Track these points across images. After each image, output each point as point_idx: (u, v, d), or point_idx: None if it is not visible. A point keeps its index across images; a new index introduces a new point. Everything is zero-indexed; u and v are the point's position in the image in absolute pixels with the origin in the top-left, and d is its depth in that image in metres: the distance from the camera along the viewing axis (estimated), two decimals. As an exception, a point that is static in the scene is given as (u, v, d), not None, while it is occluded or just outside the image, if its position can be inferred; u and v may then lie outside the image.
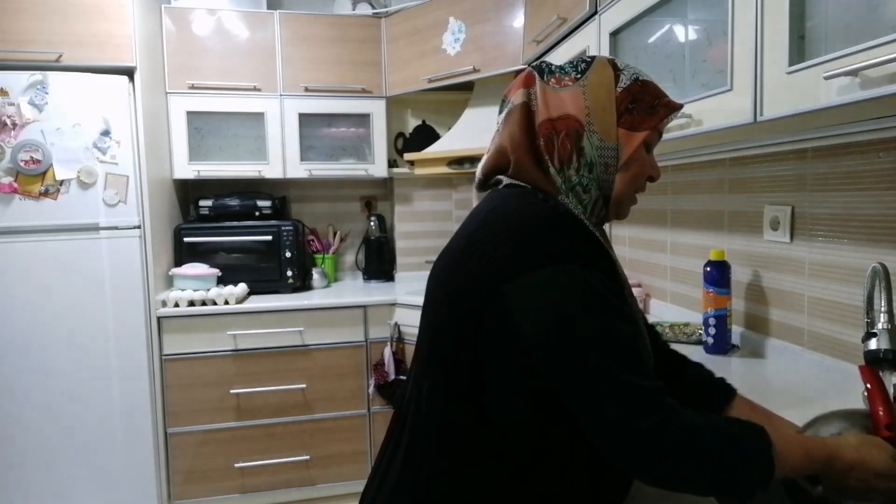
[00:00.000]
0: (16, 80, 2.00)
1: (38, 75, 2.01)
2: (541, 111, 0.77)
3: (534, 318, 0.67)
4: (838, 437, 0.73)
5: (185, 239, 2.43)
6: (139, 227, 2.15)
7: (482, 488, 0.73)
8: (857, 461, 0.68)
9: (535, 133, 0.77)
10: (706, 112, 1.06)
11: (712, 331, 1.41)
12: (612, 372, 0.65)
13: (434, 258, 0.86)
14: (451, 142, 2.45)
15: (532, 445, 0.72)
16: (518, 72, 2.19)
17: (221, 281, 2.40)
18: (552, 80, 0.78)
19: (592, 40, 1.53)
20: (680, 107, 0.79)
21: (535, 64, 0.82)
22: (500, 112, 0.82)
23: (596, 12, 1.50)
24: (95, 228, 2.10)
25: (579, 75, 0.77)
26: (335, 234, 2.85)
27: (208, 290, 2.29)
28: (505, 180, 0.80)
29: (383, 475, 0.82)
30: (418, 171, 2.50)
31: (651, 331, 0.94)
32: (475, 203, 0.82)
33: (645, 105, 0.75)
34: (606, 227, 0.93)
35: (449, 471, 0.74)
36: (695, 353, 1.47)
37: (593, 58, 0.80)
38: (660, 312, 1.87)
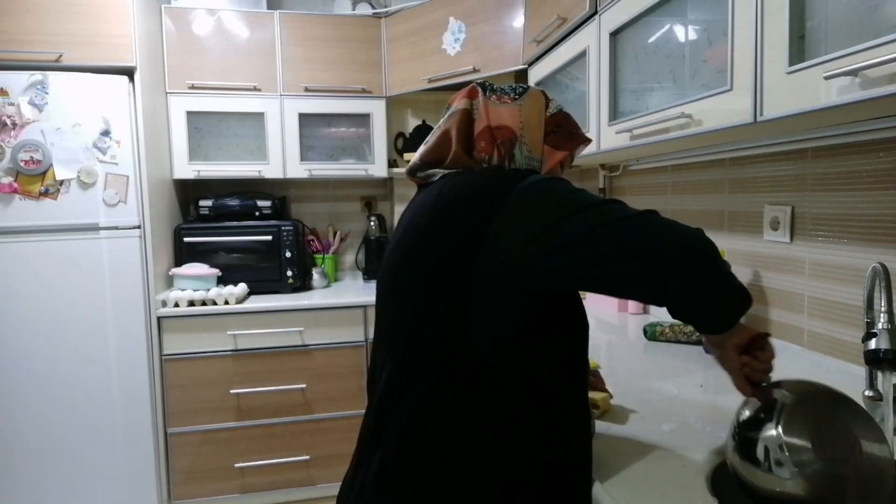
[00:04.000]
0: (16, 80, 2.00)
1: (38, 75, 2.01)
2: (482, 119, 0.87)
3: (531, 220, 0.73)
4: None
5: (185, 239, 2.43)
6: (139, 227, 2.15)
7: (457, 464, 0.74)
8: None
9: (473, 136, 0.87)
10: (706, 112, 1.06)
11: (712, 331, 1.41)
12: (619, 214, 0.71)
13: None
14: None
15: (509, 373, 0.75)
16: (518, 72, 2.20)
17: (221, 281, 2.40)
18: (493, 96, 0.90)
19: (592, 40, 1.53)
20: (590, 140, 0.95)
21: (478, 82, 0.94)
22: (443, 116, 0.91)
23: (596, 12, 1.50)
24: (95, 228, 2.10)
25: (517, 97, 0.90)
26: (335, 234, 2.85)
27: (208, 290, 2.29)
28: (440, 172, 0.87)
29: (367, 462, 0.83)
30: (418, 171, 2.50)
31: None
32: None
33: (566, 131, 0.90)
34: None
35: (427, 449, 0.76)
36: (695, 353, 1.47)
37: (529, 86, 0.93)
38: (660, 312, 1.87)
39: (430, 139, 0.90)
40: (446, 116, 0.90)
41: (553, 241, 0.70)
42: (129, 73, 2.14)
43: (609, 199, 0.74)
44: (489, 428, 0.74)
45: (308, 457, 2.36)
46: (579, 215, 0.71)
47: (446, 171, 0.86)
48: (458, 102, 0.90)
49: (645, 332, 1.60)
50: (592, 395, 1.04)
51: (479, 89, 0.91)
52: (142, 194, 2.15)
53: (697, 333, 1.50)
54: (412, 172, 0.92)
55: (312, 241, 2.80)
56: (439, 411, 0.75)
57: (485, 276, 0.72)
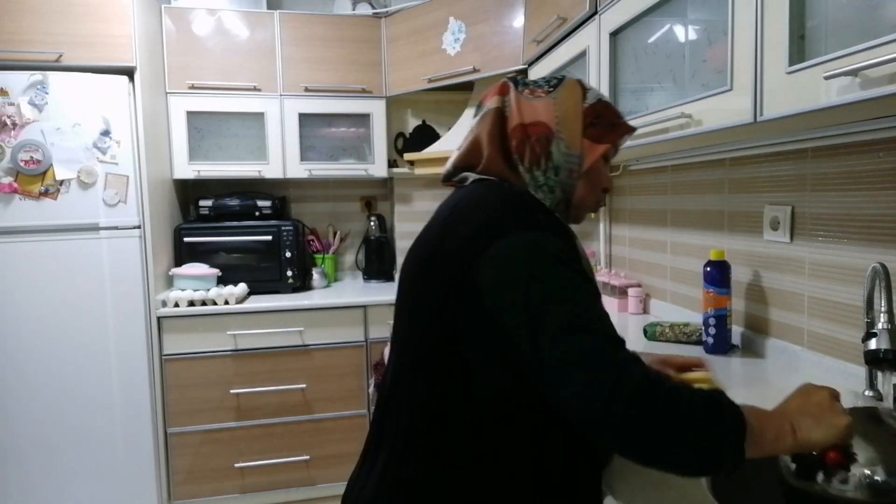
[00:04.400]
0: (16, 80, 2.00)
1: (38, 75, 2.01)
2: (514, 116, 0.83)
3: (499, 283, 0.70)
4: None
5: (185, 239, 2.43)
6: (139, 227, 2.15)
7: (461, 466, 0.74)
8: (799, 403, 0.70)
9: (507, 135, 0.84)
10: (706, 112, 1.06)
11: (712, 331, 1.41)
12: (576, 320, 0.66)
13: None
14: (451, 142, 2.45)
15: (513, 418, 0.73)
16: (518, 71, 2.20)
17: (221, 281, 2.40)
18: (526, 91, 0.86)
19: (592, 40, 1.53)
20: (634, 129, 0.88)
21: (510, 76, 0.90)
22: (475, 116, 0.88)
23: (596, 12, 1.50)
24: (95, 228, 2.10)
25: (551, 89, 0.85)
26: (335, 234, 2.85)
27: (208, 290, 2.29)
28: (472, 177, 0.85)
29: (369, 470, 0.83)
30: (418, 171, 2.50)
31: None
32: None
33: (607, 122, 0.84)
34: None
35: (430, 449, 0.75)
36: (695, 353, 1.47)
37: (563, 77, 0.87)
38: (660, 312, 1.87)
39: (463, 144, 0.88)
40: (478, 118, 0.87)
41: (532, 326, 0.67)
42: (129, 73, 2.14)
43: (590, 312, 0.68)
44: (494, 445, 0.74)
45: (308, 457, 2.35)
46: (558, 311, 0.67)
47: (478, 177, 0.84)
48: (490, 101, 0.87)
49: (645, 332, 1.60)
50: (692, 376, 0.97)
51: (511, 84, 0.87)
52: (142, 194, 2.15)
53: (698, 333, 1.50)
54: (447, 179, 0.90)
55: (312, 241, 2.80)
56: (443, 425, 0.75)
57: (469, 322, 0.72)
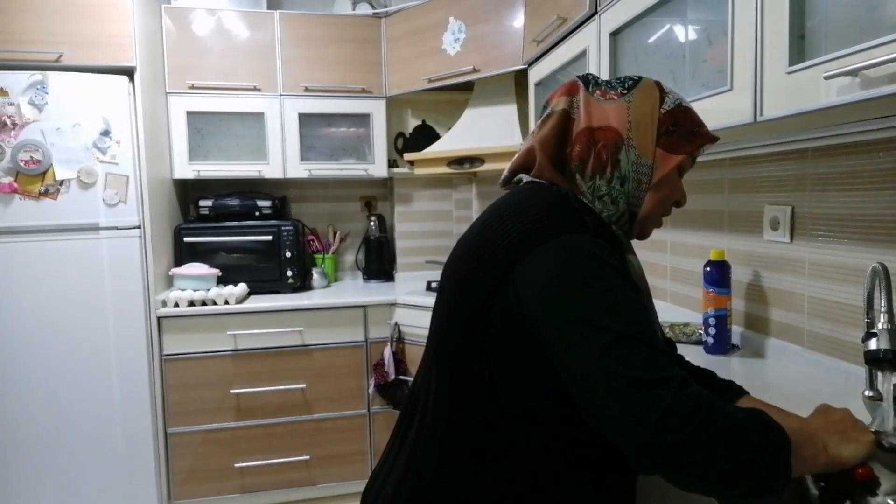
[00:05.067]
0: (16, 80, 2.00)
1: (38, 75, 2.01)
2: (582, 119, 0.78)
3: (540, 292, 0.67)
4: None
5: (185, 239, 2.43)
6: (139, 227, 2.15)
7: (487, 478, 0.72)
8: (821, 423, 0.69)
9: (569, 139, 0.79)
10: (706, 112, 1.06)
11: (712, 331, 1.41)
12: (626, 330, 0.62)
13: (434, 258, 0.87)
14: (450, 142, 2.45)
15: (542, 435, 0.71)
16: (519, 72, 2.20)
17: (221, 281, 2.40)
18: (598, 91, 0.80)
19: (592, 40, 1.53)
20: (716, 139, 0.80)
21: (581, 75, 0.84)
22: (540, 117, 0.84)
23: (596, 12, 1.50)
24: (95, 228, 2.10)
25: (626, 91, 0.79)
26: (335, 234, 2.85)
27: (208, 290, 2.29)
28: (525, 178, 0.82)
29: (391, 466, 0.82)
30: (418, 171, 2.50)
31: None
32: (475, 203, 0.84)
33: (685, 130, 0.77)
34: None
35: (455, 460, 0.74)
36: (695, 353, 1.47)
37: (640, 77, 0.81)
38: (660, 312, 1.87)
39: (522, 147, 0.84)
40: (541, 120, 0.82)
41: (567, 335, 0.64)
42: (129, 73, 2.14)
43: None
44: (517, 457, 0.71)
45: (308, 457, 2.35)
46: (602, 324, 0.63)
47: (529, 179, 0.81)
48: (557, 101, 0.81)
49: (645, 332, 1.60)
50: None
51: (581, 84, 0.80)
52: (142, 194, 2.15)
53: (698, 333, 1.50)
54: (505, 183, 0.86)
55: (312, 241, 2.80)
56: (465, 433, 0.73)
57: (500, 335, 0.69)
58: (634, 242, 0.88)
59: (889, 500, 0.67)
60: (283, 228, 2.50)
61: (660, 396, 0.59)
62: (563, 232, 0.69)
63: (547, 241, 0.68)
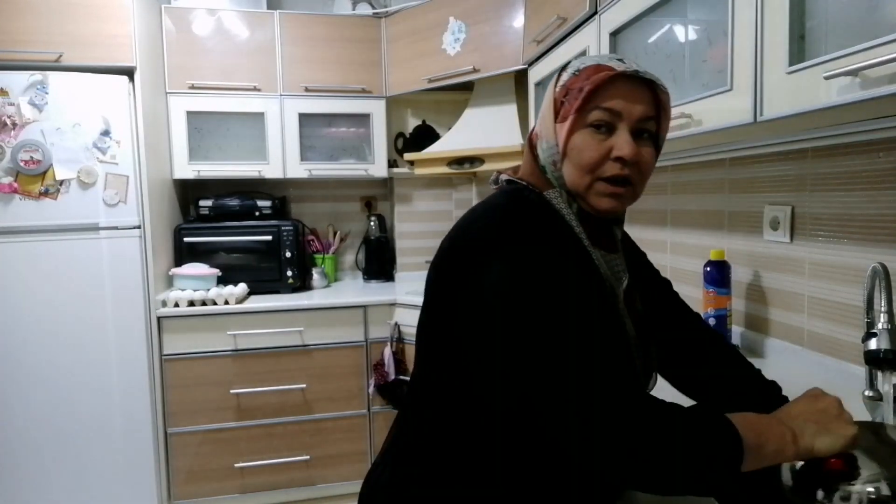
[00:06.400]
0: (16, 80, 2.00)
1: (38, 75, 2.01)
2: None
3: (487, 301, 0.68)
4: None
5: (185, 239, 2.43)
6: (139, 227, 2.15)
7: (469, 468, 0.74)
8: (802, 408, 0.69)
9: None
10: (706, 112, 1.06)
11: (712, 331, 1.41)
12: (554, 352, 0.63)
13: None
14: (451, 142, 2.45)
15: (520, 434, 0.72)
16: (519, 72, 2.20)
17: (221, 281, 2.40)
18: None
19: (592, 40, 1.53)
20: (610, 70, 0.71)
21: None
22: None
23: (596, 12, 1.50)
24: (95, 228, 2.10)
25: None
26: (335, 234, 2.85)
27: (208, 290, 2.29)
28: (504, 177, 0.83)
29: (385, 458, 0.85)
30: (418, 171, 2.50)
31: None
32: (475, 203, 0.85)
33: (574, 92, 0.72)
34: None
35: (439, 451, 0.76)
36: (695, 353, 1.46)
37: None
38: (660, 312, 1.87)
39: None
40: None
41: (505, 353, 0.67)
42: (129, 73, 2.14)
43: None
44: (501, 455, 0.73)
45: (308, 457, 2.35)
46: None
47: (506, 178, 0.82)
48: None
49: (645, 332, 1.60)
50: None
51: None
52: (142, 194, 2.15)
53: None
54: (494, 183, 0.87)
55: (312, 241, 2.80)
56: (447, 432, 0.76)
57: (463, 331, 0.72)
58: (636, 239, 0.88)
59: (868, 489, 0.66)
60: (283, 228, 2.50)
61: (609, 413, 0.61)
62: (513, 245, 0.68)
63: (495, 253, 0.68)
